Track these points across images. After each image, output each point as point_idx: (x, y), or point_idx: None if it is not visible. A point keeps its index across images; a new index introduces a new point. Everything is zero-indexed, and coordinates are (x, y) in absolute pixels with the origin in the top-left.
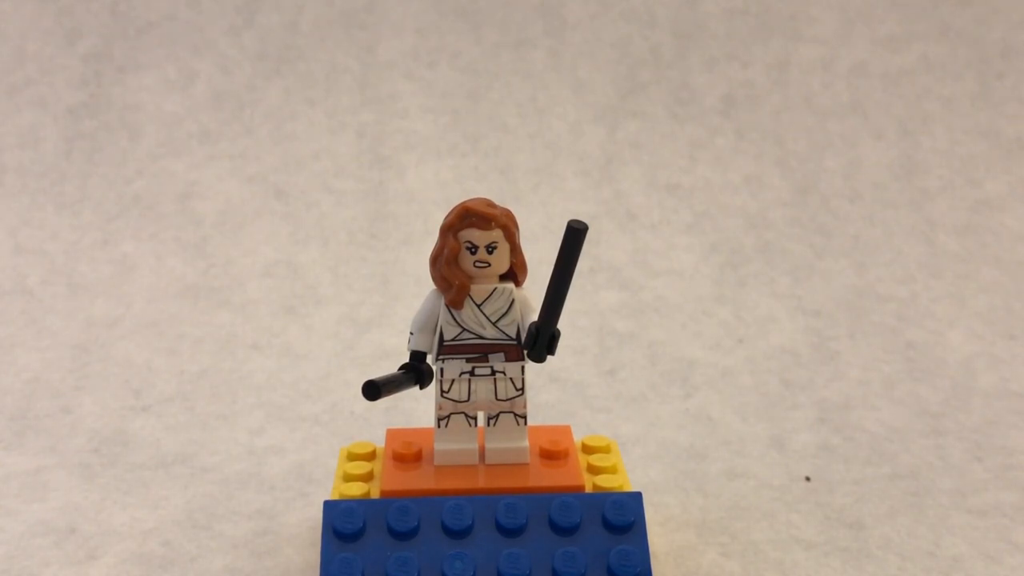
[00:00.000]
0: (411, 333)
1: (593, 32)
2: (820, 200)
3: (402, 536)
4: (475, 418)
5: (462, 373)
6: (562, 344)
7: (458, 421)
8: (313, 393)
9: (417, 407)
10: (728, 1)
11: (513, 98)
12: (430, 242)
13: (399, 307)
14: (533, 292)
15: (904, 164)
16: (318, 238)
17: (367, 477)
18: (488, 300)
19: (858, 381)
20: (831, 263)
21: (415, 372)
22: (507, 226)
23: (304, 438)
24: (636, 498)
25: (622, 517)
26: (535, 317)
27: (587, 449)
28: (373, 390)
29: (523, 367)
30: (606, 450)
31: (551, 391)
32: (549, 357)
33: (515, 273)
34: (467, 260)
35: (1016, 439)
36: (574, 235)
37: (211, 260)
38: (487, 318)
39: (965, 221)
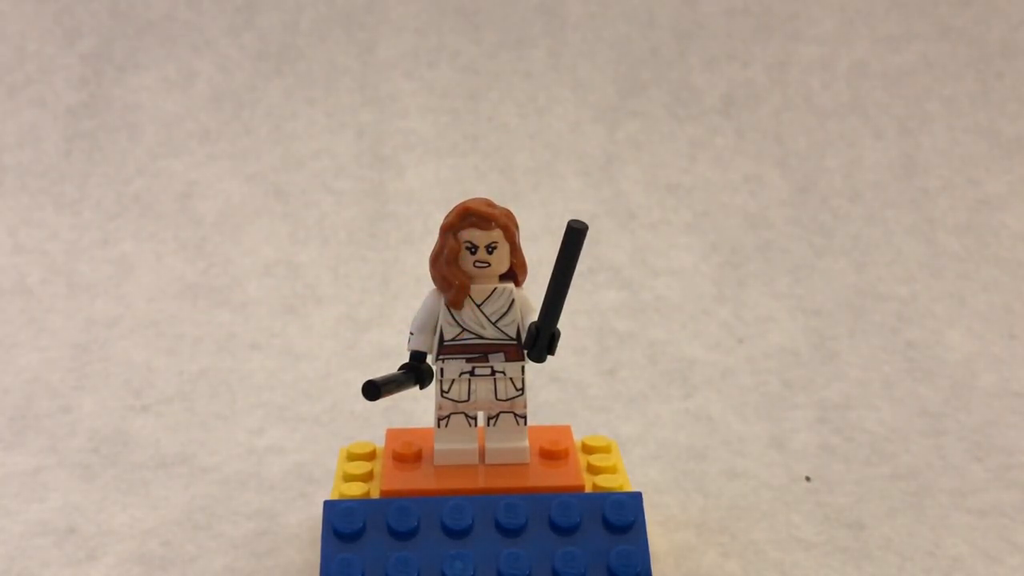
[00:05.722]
0: (411, 333)
1: (593, 32)
2: (820, 200)
3: (402, 536)
4: (475, 418)
5: (462, 373)
6: (562, 344)
7: (458, 421)
8: (313, 393)
9: (417, 407)
10: (728, 1)
11: (513, 98)
12: (430, 242)
13: (399, 307)
14: (533, 292)
15: (904, 164)
16: (318, 238)
17: (367, 477)
18: (488, 300)
19: (858, 381)
20: (831, 263)
21: (415, 372)
22: (507, 226)
23: (304, 438)
24: (636, 498)
25: (622, 517)
26: (535, 317)
27: (587, 449)
28: (373, 390)
29: (523, 367)
30: (606, 450)
31: (551, 391)
32: (549, 357)
33: (515, 273)
34: (467, 260)
35: (1016, 439)
36: (574, 235)
37: (211, 260)
38: (487, 318)
39: (965, 221)
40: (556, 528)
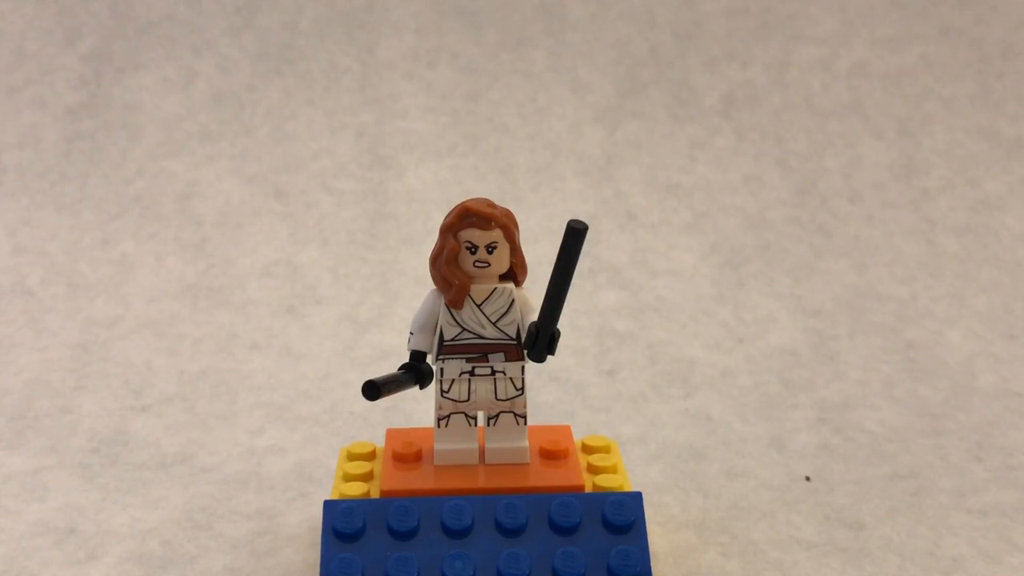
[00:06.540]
0: (411, 333)
1: (593, 32)
2: (820, 200)
3: (402, 536)
4: (475, 418)
5: (462, 373)
6: (562, 344)
7: (458, 421)
8: (313, 393)
9: (417, 407)
10: (728, 1)
11: (513, 98)
12: (430, 242)
13: (399, 307)
14: (533, 292)
15: (904, 164)
16: (318, 238)
17: (367, 477)
18: (488, 300)
19: (858, 381)
20: (831, 263)
21: (415, 372)
22: (507, 226)
23: (304, 438)
24: (636, 498)
25: (622, 517)
26: (535, 317)
27: (587, 449)
28: (373, 390)
29: (523, 367)
30: (606, 450)
31: (551, 391)
32: (549, 357)
33: (515, 273)
34: (467, 260)
35: (1016, 439)
36: (574, 235)
37: (211, 260)
38: (487, 318)
39: (965, 221)
40: (556, 528)
